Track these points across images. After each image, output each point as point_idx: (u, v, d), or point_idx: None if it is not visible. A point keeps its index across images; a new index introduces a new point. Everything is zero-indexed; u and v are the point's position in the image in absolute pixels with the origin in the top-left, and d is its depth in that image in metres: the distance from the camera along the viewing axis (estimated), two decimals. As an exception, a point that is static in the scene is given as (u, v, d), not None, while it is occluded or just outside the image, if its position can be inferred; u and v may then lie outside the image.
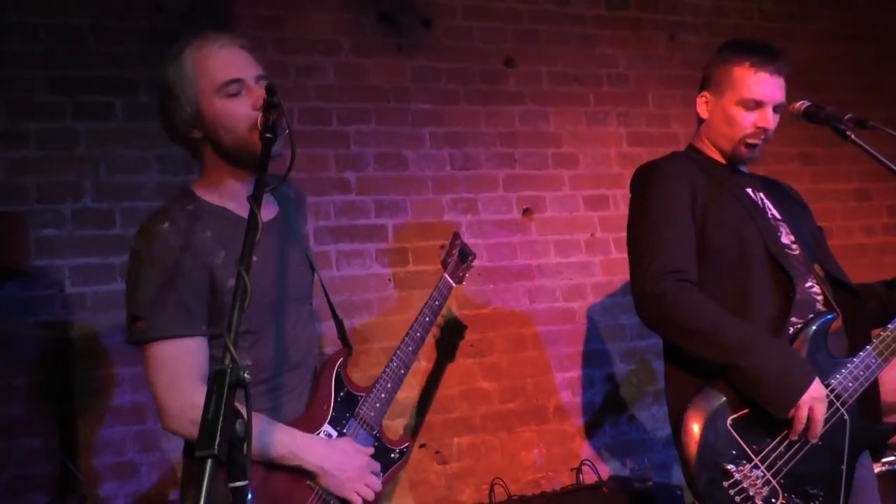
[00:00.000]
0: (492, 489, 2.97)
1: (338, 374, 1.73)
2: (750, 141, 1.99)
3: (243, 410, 0.96)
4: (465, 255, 2.21)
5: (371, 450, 1.69)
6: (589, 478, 3.07)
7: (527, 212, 3.33)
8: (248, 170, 1.56)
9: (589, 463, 3.09)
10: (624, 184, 2.11)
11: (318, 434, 1.65)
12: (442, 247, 2.21)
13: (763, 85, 1.96)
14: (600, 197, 3.46)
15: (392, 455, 1.78)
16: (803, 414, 1.73)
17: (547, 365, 3.21)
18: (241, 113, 1.50)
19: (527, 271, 3.26)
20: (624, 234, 2.05)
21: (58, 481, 2.44)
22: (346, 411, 1.71)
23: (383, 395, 1.77)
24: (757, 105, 1.97)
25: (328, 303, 1.90)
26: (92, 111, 2.74)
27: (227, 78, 1.51)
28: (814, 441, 1.77)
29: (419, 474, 2.94)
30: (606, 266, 3.39)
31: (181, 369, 1.49)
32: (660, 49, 3.71)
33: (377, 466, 1.68)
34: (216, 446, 0.87)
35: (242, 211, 1.55)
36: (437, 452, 2.99)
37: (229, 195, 1.59)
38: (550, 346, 3.23)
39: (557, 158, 3.43)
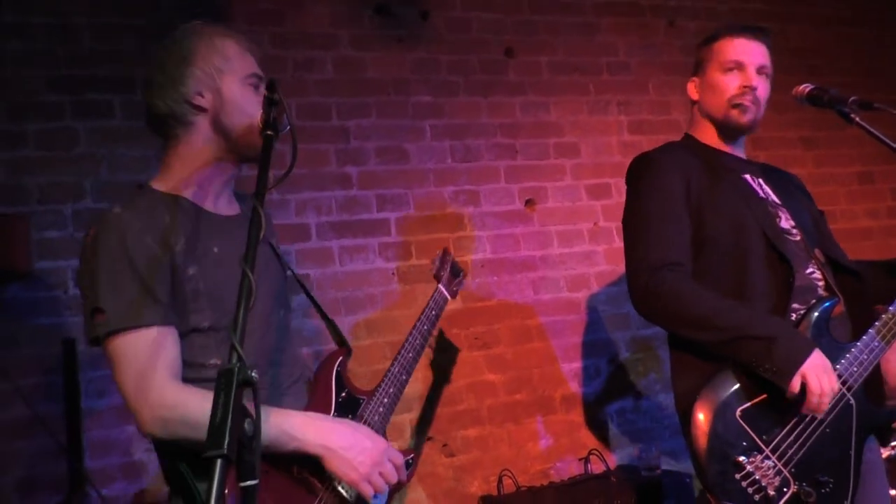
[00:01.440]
0: (500, 480, 2.97)
1: (338, 374, 1.66)
2: (736, 101, 1.99)
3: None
4: (457, 271, 2.24)
5: (385, 440, 1.55)
6: (597, 467, 3.07)
7: (529, 202, 3.32)
8: (231, 159, 1.52)
9: (597, 452, 3.09)
10: (625, 172, 2.11)
11: None
12: (432, 261, 2.21)
13: (741, 47, 2.01)
14: (602, 186, 3.45)
15: None
16: (811, 382, 1.71)
17: (552, 355, 3.21)
18: (257, 105, 1.46)
19: (530, 262, 3.26)
20: (626, 223, 2.05)
21: (65, 482, 2.45)
22: (347, 413, 1.63)
23: (386, 400, 1.69)
24: (738, 66, 2.00)
25: (314, 304, 1.82)
26: (91, 110, 2.73)
27: (255, 71, 1.52)
28: (822, 414, 1.76)
29: (427, 467, 2.95)
30: (610, 255, 3.38)
31: (149, 363, 1.34)
32: (659, 36, 3.69)
33: (400, 458, 1.53)
34: (225, 446, 0.86)
35: (200, 201, 1.50)
36: (444, 445, 2.99)
37: (194, 187, 1.50)
38: (556, 337, 3.22)
39: (559, 148, 3.41)
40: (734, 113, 2.00)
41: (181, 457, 1.38)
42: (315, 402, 1.59)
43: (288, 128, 1.38)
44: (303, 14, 3.08)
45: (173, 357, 1.38)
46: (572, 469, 3.12)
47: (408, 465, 1.66)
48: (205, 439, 1.26)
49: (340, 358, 1.69)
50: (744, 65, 2.00)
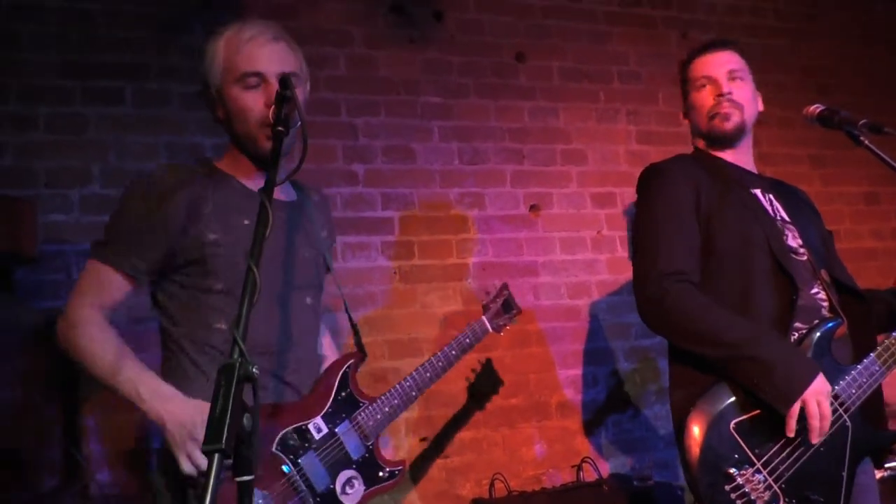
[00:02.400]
0: (492, 484, 2.97)
1: (345, 373, 1.71)
2: (714, 111, 2.02)
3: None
4: (510, 307, 2.23)
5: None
6: (589, 475, 3.07)
7: (534, 208, 3.32)
8: (252, 159, 1.64)
9: (590, 460, 3.09)
10: (632, 182, 2.11)
11: (306, 426, 1.60)
12: (487, 292, 2.26)
13: (705, 63, 2.07)
14: (608, 195, 3.45)
15: (380, 473, 1.70)
16: (809, 409, 1.72)
17: (550, 361, 3.21)
18: (251, 106, 1.54)
19: (532, 267, 3.26)
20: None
21: (62, 467, 2.45)
22: (343, 412, 1.67)
23: (387, 409, 1.72)
24: (708, 80, 2.05)
25: (346, 311, 1.90)
26: (102, 96, 2.74)
27: (246, 70, 1.55)
28: (820, 439, 1.76)
29: (420, 467, 2.95)
30: (612, 264, 3.38)
31: (92, 291, 1.57)
32: (672, 47, 3.69)
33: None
34: (223, 441, 0.87)
35: (251, 184, 1.63)
36: (438, 446, 2.99)
37: (243, 170, 1.65)
38: (554, 343, 3.23)
39: (566, 155, 3.42)
40: (715, 122, 2.03)
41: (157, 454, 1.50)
42: (315, 394, 1.65)
43: (299, 124, 1.38)
44: (317, 10, 3.09)
45: (114, 299, 1.58)
46: (565, 476, 3.12)
47: (393, 475, 1.71)
48: (86, 366, 1.51)
49: (352, 360, 1.74)
50: (712, 77, 2.04)
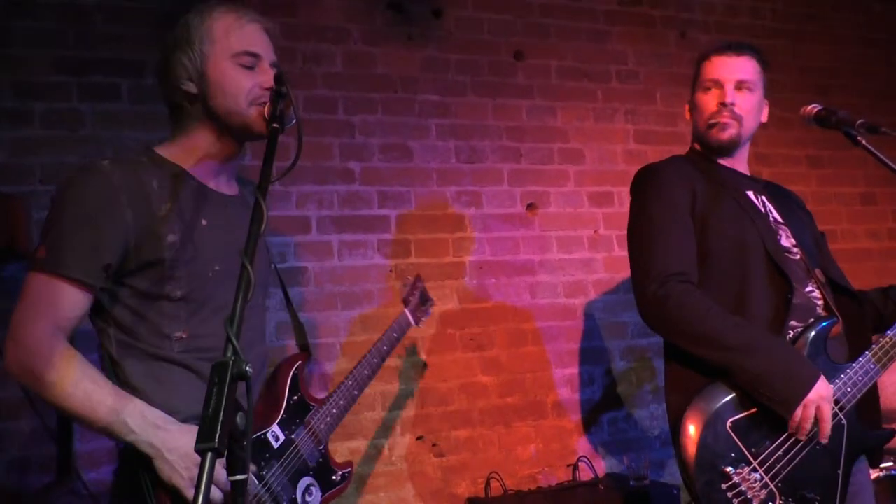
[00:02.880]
0: (488, 483, 2.97)
1: (294, 376, 1.66)
2: (713, 120, 2.01)
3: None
4: (426, 299, 2.31)
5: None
6: (585, 474, 3.07)
7: (531, 206, 3.31)
8: (228, 140, 1.52)
9: (585, 459, 3.09)
10: (629, 181, 2.11)
11: (265, 435, 1.55)
12: (403, 285, 2.27)
13: (718, 66, 2.04)
14: (605, 194, 3.45)
15: (333, 477, 1.69)
16: (810, 413, 1.73)
17: (546, 361, 3.21)
18: (246, 85, 1.47)
19: (529, 266, 3.26)
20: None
21: (56, 464, 2.44)
22: (296, 417, 1.63)
23: (335, 411, 1.72)
24: (716, 84, 2.03)
25: (288, 306, 1.82)
26: (98, 92, 2.73)
27: (247, 49, 1.49)
28: (823, 442, 1.77)
29: (416, 466, 2.95)
30: (609, 263, 3.38)
31: (46, 310, 1.35)
32: (670, 47, 3.69)
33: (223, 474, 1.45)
34: (216, 440, 0.86)
35: (199, 175, 1.51)
36: (434, 445, 2.99)
37: (194, 161, 1.51)
38: (550, 342, 3.22)
39: (563, 154, 3.41)
40: (712, 132, 2.03)
41: (144, 466, 1.37)
42: (267, 401, 1.59)
43: (294, 121, 1.37)
44: (315, 7, 3.08)
45: (71, 316, 1.38)
46: (560, 475, 3.12)
47: (344, 477, 1.70)
48: (54, 401, 1.33)
49: (300, 362, 1.70)
50: (721, 82, 2.02)
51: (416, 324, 2.24)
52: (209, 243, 1.45)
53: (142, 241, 1.39)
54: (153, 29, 2.80)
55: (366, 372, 1.88)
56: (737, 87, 2.01)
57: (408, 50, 3.20)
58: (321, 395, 1.77)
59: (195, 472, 1.33)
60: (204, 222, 1.46)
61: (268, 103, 1.36)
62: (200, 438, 0.87)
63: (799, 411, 1.72)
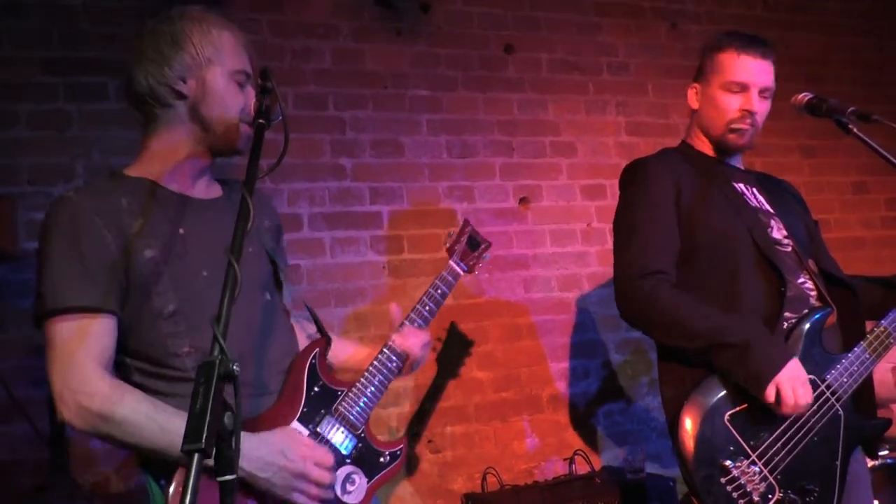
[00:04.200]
0: (484, 478, 2.96)
1: (311, 365, 1.54)
2: (735, 126, 1.98)
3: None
4: (476, 244, 2.01)
5: (309, 441, 1.44)
6: (582, 468, 3.07)
7: (523, 201, 3.30)
8: (205, 149, 1.49)
9: (582, 453, 3.09)
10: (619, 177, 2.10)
11: None
12: (449, 233, 2.01)
13: (747, 67, 1.98)
14: (597, 186, 3.44)
15: (381, 459, 1.56)
16: (784, 392, 1.71)
17: (541, 355, 3.20)
18: (239, 101, 1.49)
19: (522, 260, 3.25)
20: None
21: (48, 467, 2.43)
22: (321, 407, 1.51)
23: (370, 390, 1.57)
24: (742, 88, 1.98)
25: (291, 295, 1.74)
26: (85, 92, 2.70)
27: (243, 68, 1.51)
28: (814, 431, 1.76)
29: (412, 462, 2.94)
30: (602, 256, 3.37)
31: (78, 350, 1.31)
32: (661, 38, 3.68)
33: (329, 458, 1.43)
34: (203, 440, 0.85)
35: (173, 184, 1.48)
36: (430, 441, 2.98)
37: (169, 169, 1.48)
38: (545, 336, 3.22)
39: (555, 147, 3.40)
40: (731, 137, 2.00)
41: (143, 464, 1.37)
42: (283, 399, 1.49)
43: (280, 117, 1.36)
44: (303, 3, 3.06)
45: (103, 346, 1.34)
46: (557, 469, 3.12)
47: (395, 456, 1.57)
48: (127, 439, 1.29)
49: (317, 349, 1.57)
50: (747, 86, 1.97)
51: (468, 271, 1.95)
52: (191, 251, 1.42)
53: (125, 261, 1.37)
54: (140, 28, 2.77)
55: (419, 320, 1.71)
56: (761, 94, 1.98)
57: (397, 45, 3.18)
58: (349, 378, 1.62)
59: (289, 475, 1.35)
60: (181, 231, 1.43)
61: (253, 100, 1.36)
62: (187, 439, 0.86)
63: (771, 389, 1.71)
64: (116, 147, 2.70)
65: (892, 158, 1.88)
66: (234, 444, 0.93)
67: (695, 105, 2.08)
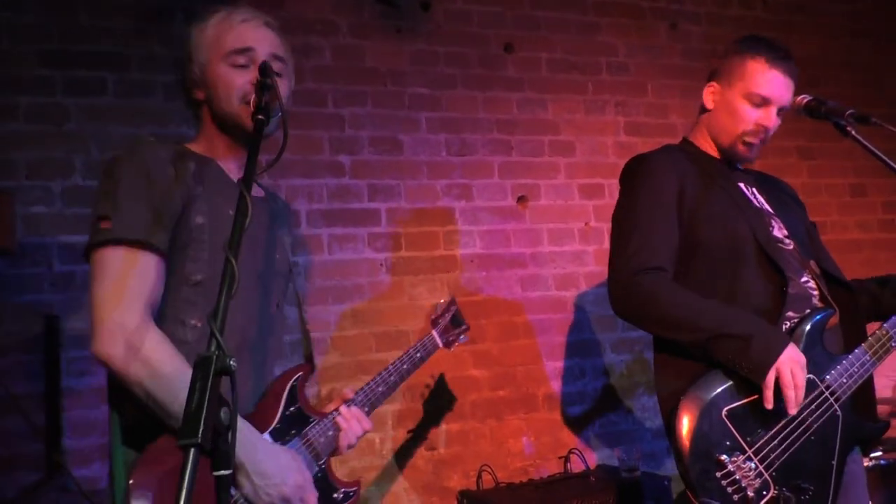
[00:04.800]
0: (479, 476, 2.97)
1: (293, 387, 1.58)
2: (748, 139, 1.97)
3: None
4: (459, 322, 2.16)
5: (309, 477, 1.46)
6: (577, 466, 3.08)
7: (521, 199, 3.31)
8: (234, 143, 1.55)
9: (577, 452, 3.09)
10: (620, 173, 2.10)
11: None
12: (435, 306, 2.18)
13: (774, 83, 1.94)
14: (596, 186, 3.44)
15: (335, 495, 1.59)
16: (783, 378, 1.72)
17: (538, 353, 3.21)
18: (237, 84, 1.48)
19: (520, 259, 3.25)
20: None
21: (44, 462, 2.42)
22: (291, 428, 1.55)
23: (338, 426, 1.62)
24: (764, 102, 1.95)
25: (300, 316, 1.78)
26: (83, 87, 2.70)
27: (237, 46, 1.50)
28: (796, 409, 1.76)
29: (407, 459, 2.94)
30: (600, 256, 3.38)
31: (133, 284, 1.30)
32: (661, 38, 3.68)
33: (313, 495, 1.44)
34: (200, 435, 0.85)
35: (230, 171, 1.54)
36: (425, 438, 2.99)
37: (220, 156, 1.55)
38: (542, 335, 3.22)
39: (554, 146, 3.40)
40: (741, 148, 1.99)
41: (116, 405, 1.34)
42: (260, 410, 1.52)
43: (280, 113, 1.36)
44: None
45: (156, 288, 1.35)
46: (552, 467, 3.12)
47: (348, 496, 1.60)
48: (155, 393, 1.27)
49: (301, 373, 1.62)
50: (770, 102, 1.95)
51: (446, 346, 2.10)
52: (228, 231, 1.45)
53: (182, 217, 1.40)
54: (138, 22, 2.77)
55: (380, 389, 1.77)
56: (779, 112, 1.96)
57: (397, 43, 3.18)
58: (324, 409, 1.68)
59: (276, 496, 1.34)
60: (230, 212, 1.42)
61: (252, 96, 1.35)
62: (183, 434, 0.86)
63: (772, 375, 1.72)
64: (115, 142, 2.70)
65: (889, 161, 1.89)
66: (230, 439, 0.93)
67: (710, 105, 2.04)
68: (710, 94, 2.04)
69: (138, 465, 1.29)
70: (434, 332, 2.05)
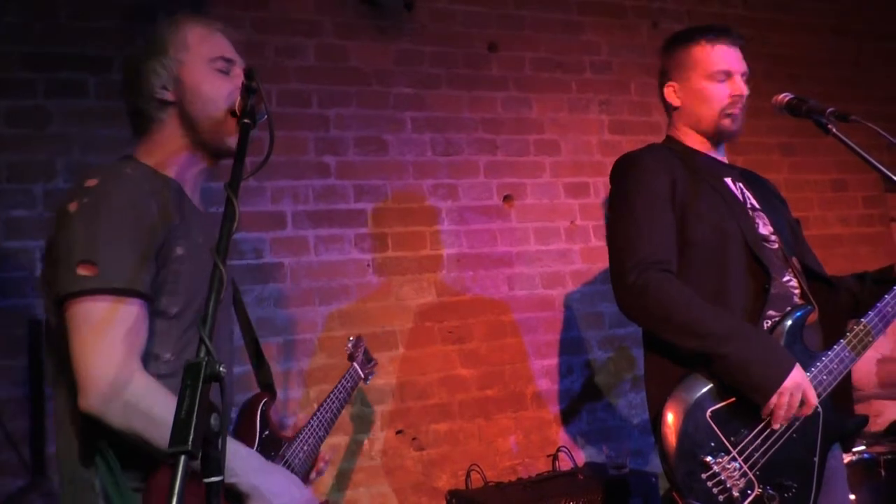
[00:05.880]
0: (468, 475, 2.97)
1: (262, 412, 1.65)
2: (729, 111, 2.01)
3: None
4: (370, 358, 2.36)
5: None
6: (565, 464, 3.09)
7: (507, 198, 3.31)
8: (203, 153, 1.48)
9: (565, 450, 3.11)
10: (605, 171, 2.11)
11: None
12: (346, 346, 2.34)
13: (725, 55, 2.02)
14: (581, 184, 3.46)
15: None
16: (784, 401, 1.74)
17: (525, 352, 3.22)
18: (225, 89, 1.45)
19: (506, 258, 3.26)
20: (604, 223, 2.05)
21: (29, 467, 2.40)
22: (270, 450, 1.63)
23: (306, 447, 1.75)
24: (727, 75, 2.01)
25: (253, 338, 1.73)
26: (65, 89, 2.67)
27: (222, 54, 1.48)
28: (784, 425, 1.79)
29: (396, 460, 2.94)
30: (586, 254, 3.39)
31: (120, 334, 1.22)
32: (643, 37, 3.70)
33: None
34: (190, 442, 0.85)
35: (186, 189, 1.46)
36: (414, 439, 2.99)
37: (176, 172, 1.45)
38: (529, 334, 3.23)
39: (539, 145, 3.41)
40: (726, 123, 2.02)
41: (105, 437, 1.27)
42: (240, 434, 1.59)
43: (265, 116, 1.35)
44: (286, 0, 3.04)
45: (145, 338, 1.28)
46: (540, 466, 3.13)
47: None
48: (156, 440, 1.21)
49: (265, 399, 1.70)
50: (732, 73, 2.00)
51: (364, 381, 2.29)
52: (201, 261, 1.39)
53: (164, 252, 1.33)
54: (120, 23, 2.75)
55: (328, 416, 1.94)
56: (743, 78, 2.02)
57: (381, 43, 3.17)
58: (288, 433, 1.79)
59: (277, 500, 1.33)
60: (200, 240, 1.41)
61: (237, 100, 1.34)
62: (173, 441, 0.85)
63: (774, 399, 1.74)
64: (97, 144, 2.67)
65: (869, 158, 1.91)
66: (220, 445, 0.93)
67: (676, 103, 2.08)
68: (672, 94, 2.09)
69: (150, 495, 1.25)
70: (356, 365, 2.24)
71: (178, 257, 1.34)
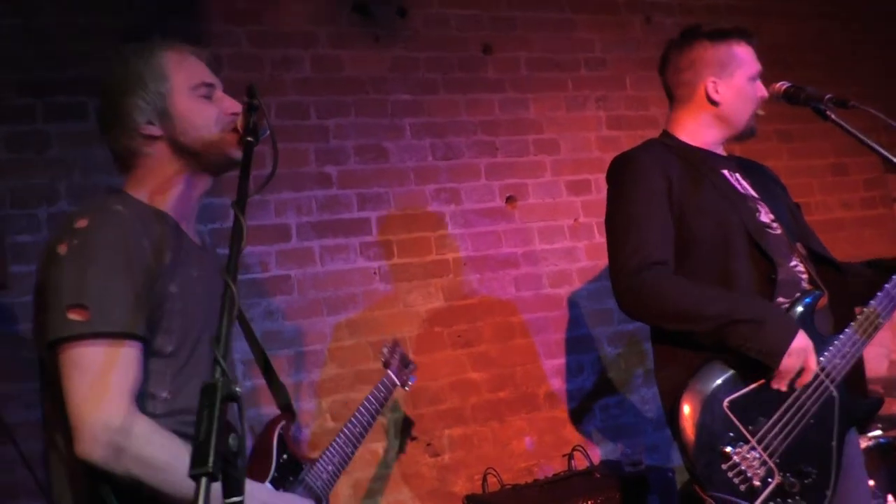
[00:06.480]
0: (485, 479, 2.97)
1: (280, 436, 1.63)
2: (758, 112, 2.07)
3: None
4: (407, 362, 2.33)
5: None
6: (581, 463, 3.09)
7: (510, 199, 3.32)
8: (204, 174, 1.45)
9: (580, 448, 3.10)
10: (605, 167, 2.11)
11: None
12: (382, 351, 2.31)
13: (755, 58, 2.08)
14: (582, 181, 3.46)
15: None
16: (795, 362, 1.76)
17: (535, 352, 3.22)
18: (212, 114, 1.42)
19: (512, 259, 3.26)
20: (607, 219, 2.06)
21: (45, 489, 2.40)
22: (289, 475, 1.60)
23: (331, 468, 1.72)
24: (760, 76, 2.07)
25: (264, 357, 1.69)
26: (63, 112, 2.68)
27: (203, 80, 1.45)
28: (810, 413, 1.79)
29: (411, 467, 2.94)
30: (591, 251, 3.39)
31: (116, 379, 1.19)
32: (636, 32, 3.71)
33: None
34: (210, 464, 0.85)
35: (181, 221, 1.43)
36: (428, 445, 2.99)
37: (170, 203, 1.41)
38: (538, 334, 3.23)
39: (538, 145, 3.42)
40: (753, 123, 2.07)
41: (105, 478, 1.24)
42: (256, 462, 1.55)
43: (268, 132, 1.36)
44: (280, 12, 3.05)
45: (137, 380, 1.24)
46: (556, 466, 3.13)
47: None
48: (157, 484, 1.19)
49: (283, 422, 1.66)
50: (759, 75, 2.06)
51: (403, 386, 2.26)
52: (197, 296, 1.36)
53: (158, 291, 1.29)
54: (116, 44, 2.75)
55: (357, 430, 1.88)
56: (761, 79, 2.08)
57: (376, 51, 3.18)
58: (312, 454, 1.81)
59: None
60: (195, 274, 1.38)
61: (240, 118, 1.34)
62: (194, 464, 0.86)
63: (786, 360, 1.75)
64: (98, 166, 2.67)
65: (869, 141, 1.92)
66: (239, 465, 0.93)
67: (717, 98, 2.03)
68: (714, 89, 2.03)
69: None
70: (390, 372, 2.20)
71: (171, 295, 1.31)
